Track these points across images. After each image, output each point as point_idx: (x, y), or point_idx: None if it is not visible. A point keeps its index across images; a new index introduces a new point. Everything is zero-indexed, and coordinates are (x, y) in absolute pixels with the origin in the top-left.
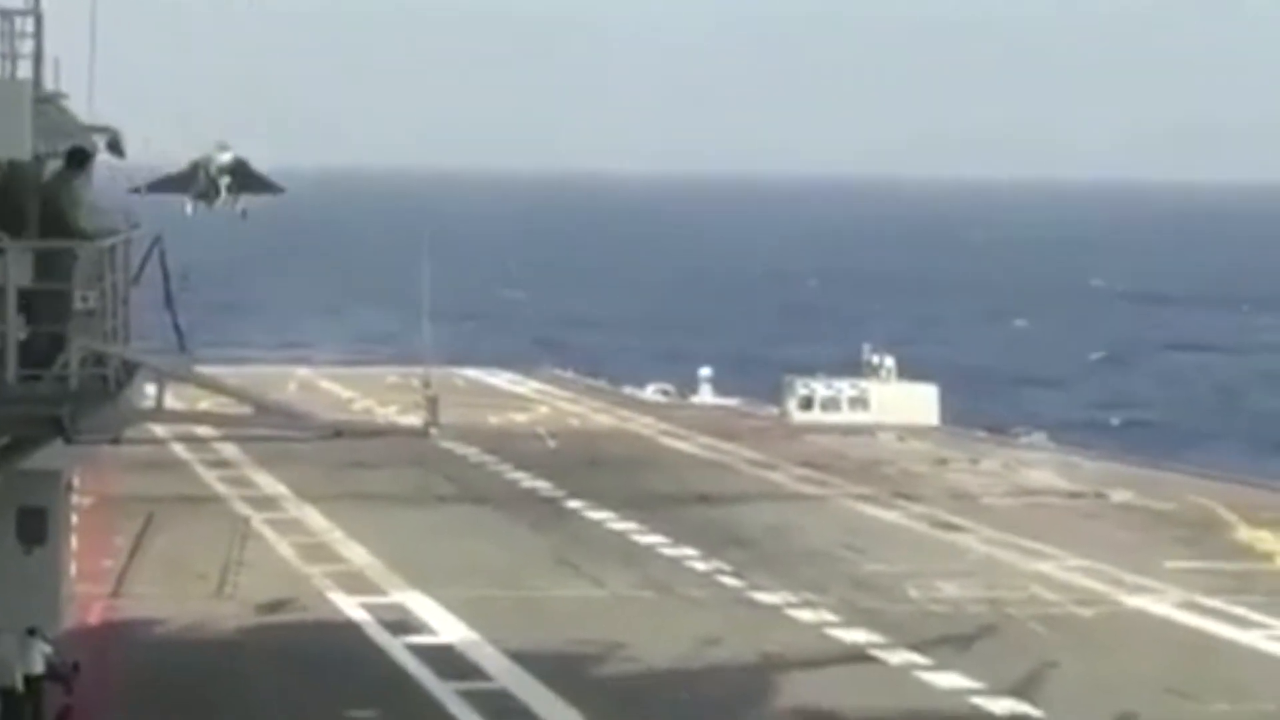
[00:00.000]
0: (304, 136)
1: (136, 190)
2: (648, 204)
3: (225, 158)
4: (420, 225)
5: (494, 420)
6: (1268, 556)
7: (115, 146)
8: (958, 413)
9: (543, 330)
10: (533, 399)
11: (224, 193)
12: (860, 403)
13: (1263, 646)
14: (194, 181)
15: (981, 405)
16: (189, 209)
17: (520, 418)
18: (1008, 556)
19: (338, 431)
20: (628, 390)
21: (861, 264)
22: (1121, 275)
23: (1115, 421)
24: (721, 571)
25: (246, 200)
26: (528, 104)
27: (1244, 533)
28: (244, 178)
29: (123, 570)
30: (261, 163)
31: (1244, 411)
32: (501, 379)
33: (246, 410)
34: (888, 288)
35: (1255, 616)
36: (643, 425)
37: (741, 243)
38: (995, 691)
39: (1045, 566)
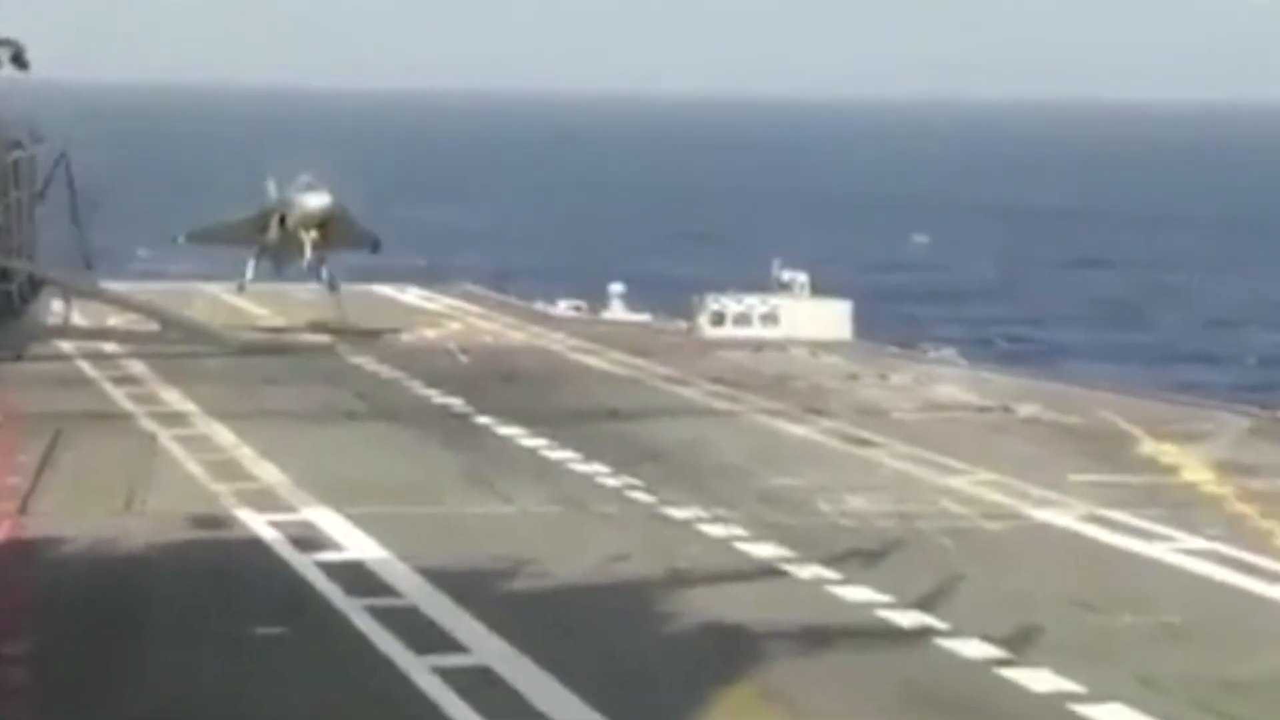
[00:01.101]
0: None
1: (175, 240)
2: (581, 124)
3: (315, 202)
4: (328, 146)
5: (405, 337)
6: (1172, 470)
7: (19, 59)
8: (869, 329)
9: (449, 246)
10: (444, 315)
11: (309, 251)
12: (772, 318)
13: (1167, 559)
14: (262, 232)
15: (892, 322)
16: (249, 273)
17: (431, 334)
18: (917, 471)
19: (247, 348)
20: (539, 306)
21: (783, 183)
22: (1038, 193)
23: (1019, 337)
24: (632, 487)
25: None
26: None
27: (1148, 446)
28: (339, 230)
29: (29, 488)
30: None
31: (1149, 326)
32: (412, 295)
33: (154, 327)
34: (799, 206)
35: (1160, 529)
36: (554, 341)
37: (663, 160)
38: (903, 605)
39: (954, 481)
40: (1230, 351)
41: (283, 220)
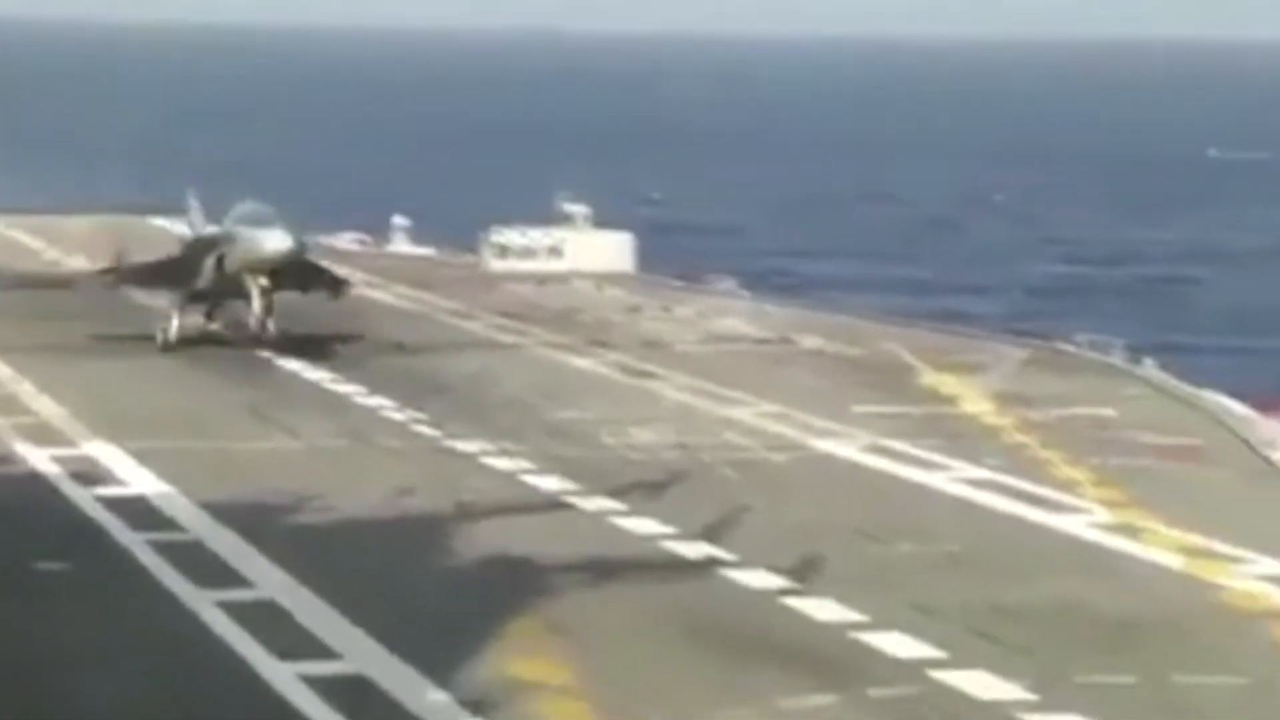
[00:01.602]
0: None
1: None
2: (371, 59)
3: (274, 245)
4: (99, 77)
5: None
6: (951, 400)
7: None
8: (652, 261)
9: (228, 180)
10: None
11: (257, 304)
12: (556, 252)
13: (947, 489)
14: (190, 276)
15: (675, 254)
16: (172, 328)
17: None
18: (700, 403)
19: (23, 282)
20: (321, 239)
21: (570, 116)
22: (847, 128)
23: (792, 271)
24: (418, 420)
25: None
26: None
27: (928, 377)
28: (298, 276)
29: None
30: None
31: (929, 259)
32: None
33: None
34: (587, 140)
35: (940, 459)
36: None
37: (451, 95)
38: (688, 536)
39: (737, 412)
40: (999, 283)
41: (220, 261)
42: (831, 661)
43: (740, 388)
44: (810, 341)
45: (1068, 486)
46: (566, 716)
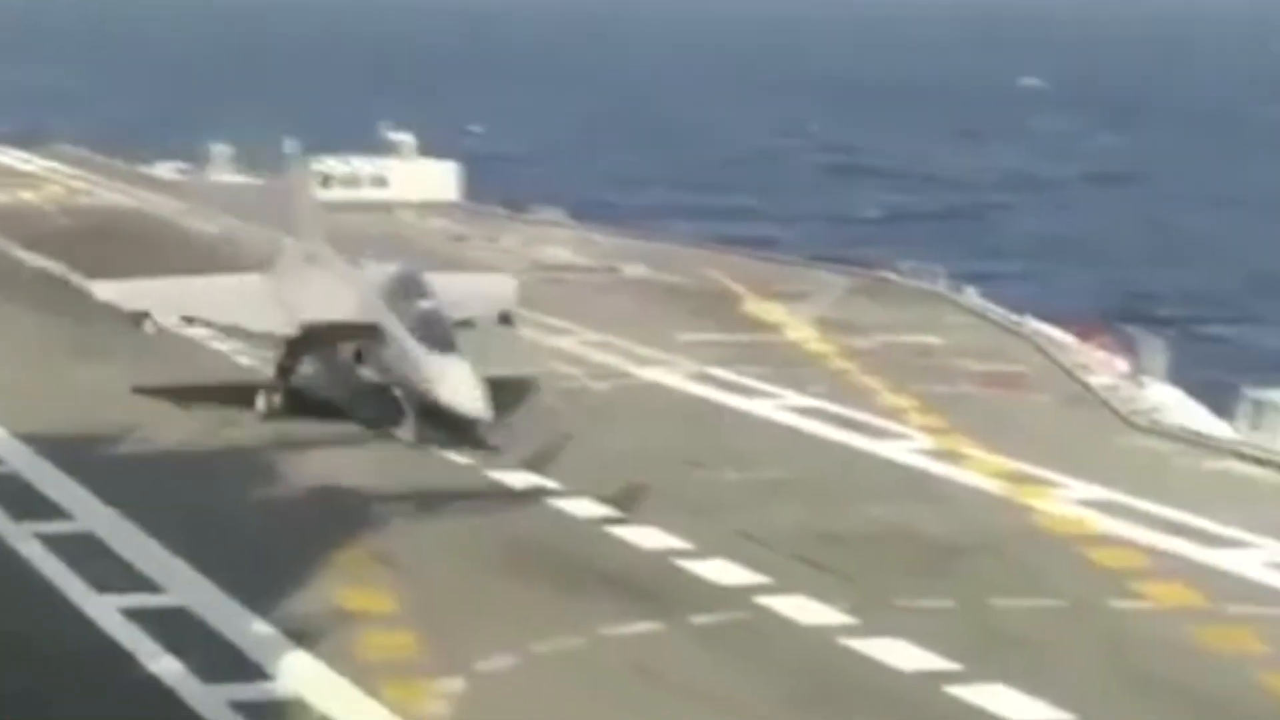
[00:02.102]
0: None
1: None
2: None
3: (470, 405)
4: None
5: (2, 198)
6: (775, 328)
7: None
8: (477, 191)
9: (46, 108)
10: (42, 177)
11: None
12: (380, 181)
13: (771, 415)
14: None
15: (500, 184)
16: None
17: (29, 195)
18: (525, 332)
19: None
20: (140, 169)
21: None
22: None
23: (629, 200)
24: (240, 352)
25: None
26: None
27: (752, 305)
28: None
29: None
30: None
31: (750, 189)
32: (10, 156)
33: None
34: (418, 66)
35: (764, 386)
36: (160, 204)
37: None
38: (511, 465)
39: (562, 341)
40: (820, 212)
41: (358, 359)
42: (656, 589)
43: (565, 316)
44: (635, 270)
45: (891, 413)
46: (391, 646)
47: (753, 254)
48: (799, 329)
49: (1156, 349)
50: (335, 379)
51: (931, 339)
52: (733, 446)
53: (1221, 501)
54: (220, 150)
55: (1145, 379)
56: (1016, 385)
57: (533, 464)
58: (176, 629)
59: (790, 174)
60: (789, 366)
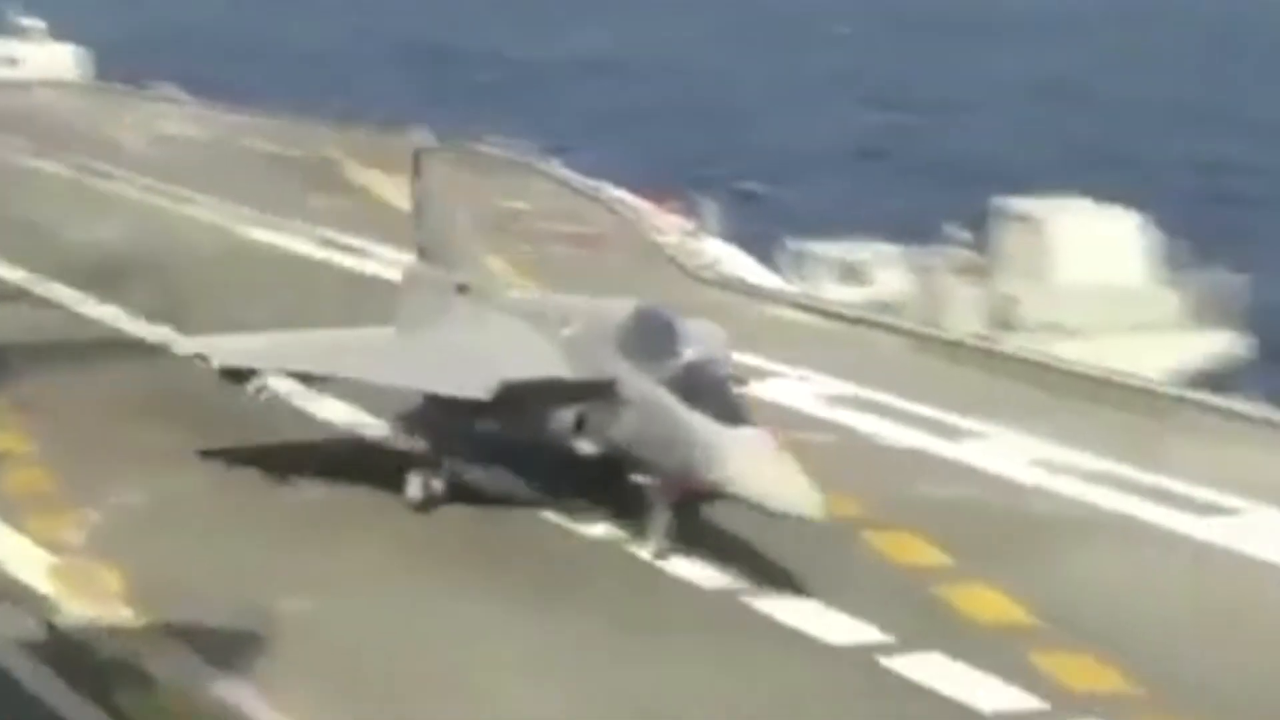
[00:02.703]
0: None
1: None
2: None
3: (802, 507)
4: None
5: None
6: (383, 197)
7: None
8: (101, 68)
9: None
10: None
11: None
12: (10, 60)
13: (381, 274)
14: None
15: (127, 63)
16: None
17: None
18: (157, 202)
19: None
20: None
21: None
22: None
23: (242, 75)
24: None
25: None
26: None
27: (361, 175)
28: None
29: None
30: None
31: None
32: None
33: None
34: None
35: (373, 248)
36: None
37: None
38: (148, 319)
39: (191, 210)
40: (410, 87)
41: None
42: (278, 426)
43: (192, 186)
44: (254, 142)
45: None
46: (31, 483)
47: (360, 124)
48: (405, 198)
49: (713, 210)
50: (531, 456)
51: (521, 204)
52: (365, 306)
53: (775, 343)
54: None
55: (706, 236)
56: (597, 245)
57: (166, 318)
58: None
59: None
60: (399, 230)
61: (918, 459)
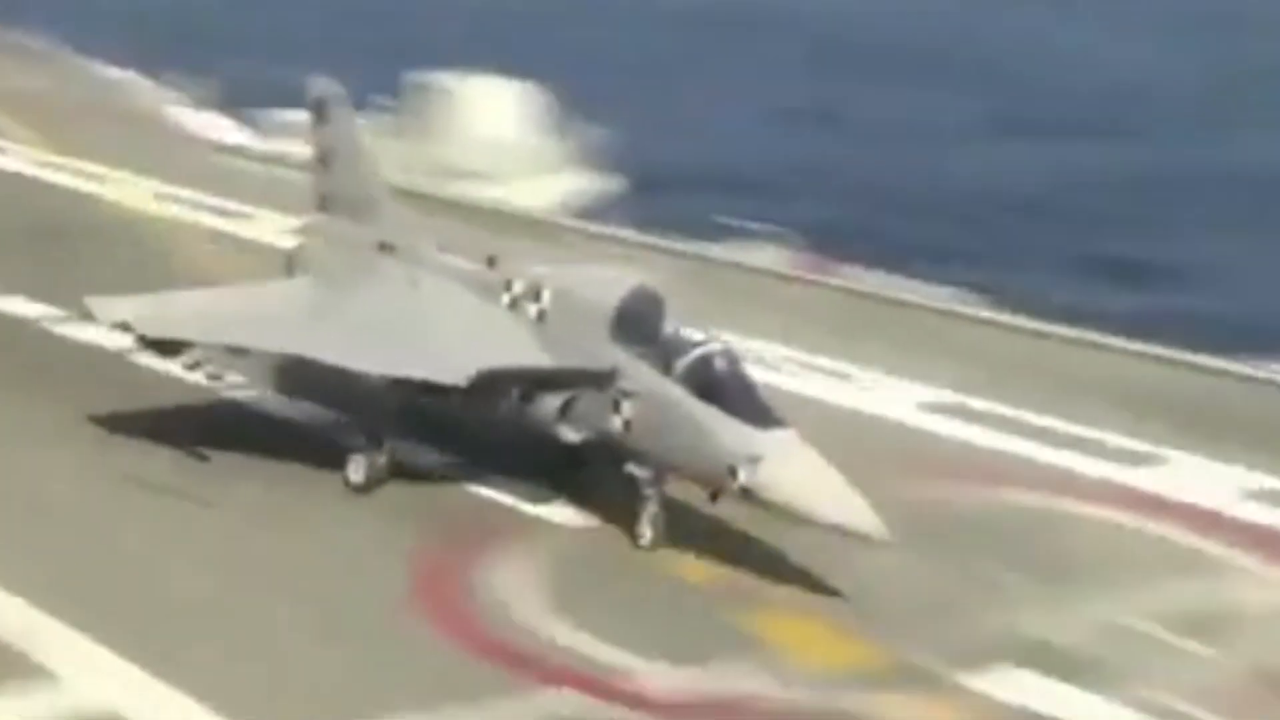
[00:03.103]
0: None
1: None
2: None
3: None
4: None
5: None
6: None
7: None
8: None
9: None
10: None
11: (653, 511)
12: None
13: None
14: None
15: None
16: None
17: None
18: None
19: None
20: None
21: None
22: None
23: None
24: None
25: None
26: None
27: None
28: None
29: None
30: None
31: None
32: None
33: None
34: None
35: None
36: None
37: None
38: None
39: None
40: None
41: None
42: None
43: None
44: None
45: None
46: None
47: None
48: None
49: (211, 86)
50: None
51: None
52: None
53: (238, 188)
54: None
55: (199, 108)
56: (103, 116)
57: None
58: None
59: None
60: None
61: None
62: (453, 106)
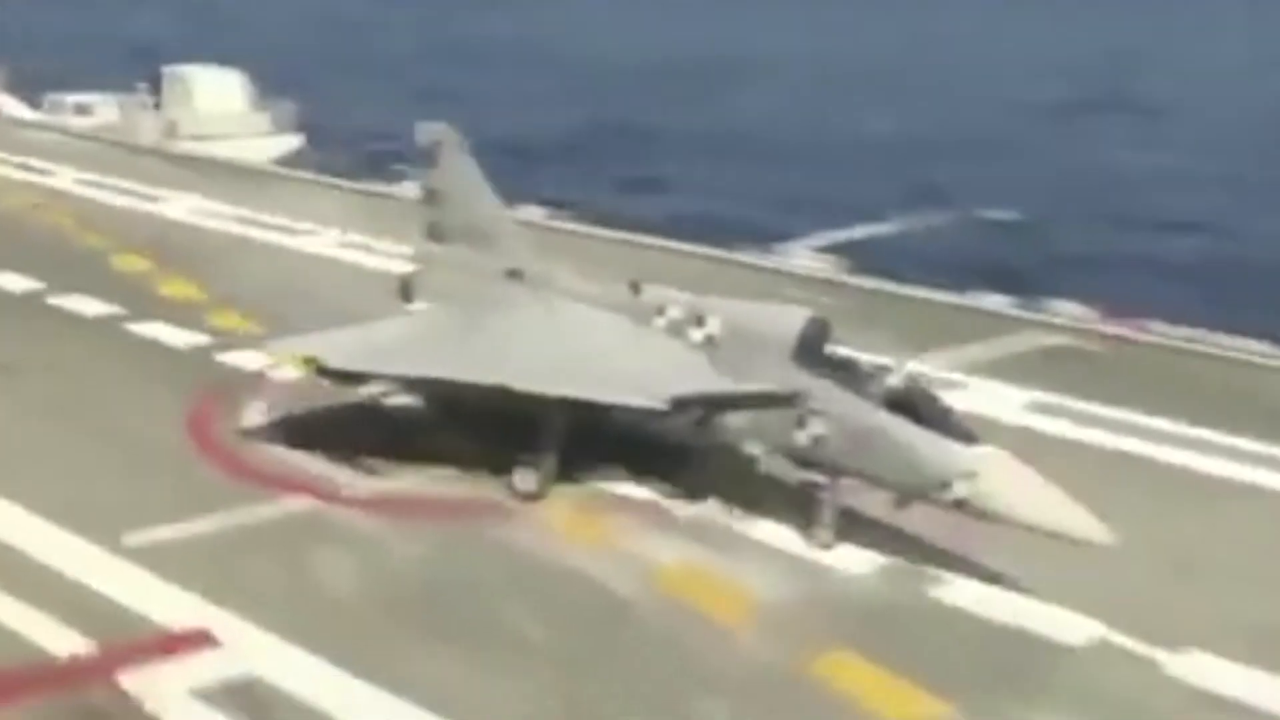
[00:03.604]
0: None
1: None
2: None
3: (1091, 536)
4: None
5: None
6: None
7: None
8: None
9: None
10: None
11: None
12: None
13: None
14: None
15: None
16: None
17: None
18: None
19: None
20: None
21: None
22: None
23: None
24: None
25: None
26: None
27: None
28: None
29: None
30: None
31: None
32: None
33: None
34: None
35: None
36: None
37: None
38: None
39: None
40: None
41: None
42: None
43: None
44: None
45: None
46: None
47: None
48: None
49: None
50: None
51: None
52: None
53: (44, 153)
54: None
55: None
56: None
57: None
58: None
59: None
60: None
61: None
62: (192, 89)
